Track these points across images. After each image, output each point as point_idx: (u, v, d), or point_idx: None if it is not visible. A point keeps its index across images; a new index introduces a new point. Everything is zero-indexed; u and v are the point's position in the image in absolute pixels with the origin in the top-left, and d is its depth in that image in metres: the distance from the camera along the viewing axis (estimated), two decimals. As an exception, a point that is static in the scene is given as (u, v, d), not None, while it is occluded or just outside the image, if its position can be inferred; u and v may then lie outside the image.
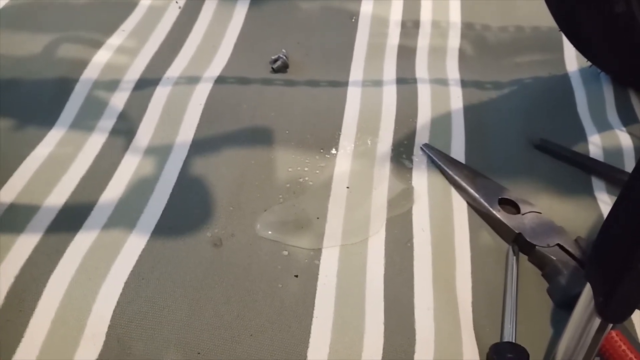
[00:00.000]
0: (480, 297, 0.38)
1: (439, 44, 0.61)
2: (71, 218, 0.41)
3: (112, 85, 0.53)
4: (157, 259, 0.39)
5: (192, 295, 0.37)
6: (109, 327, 0.35)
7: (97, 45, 0.57)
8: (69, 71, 0.54)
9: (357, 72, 0.56)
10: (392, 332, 0.35)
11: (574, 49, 0.57)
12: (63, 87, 0.52)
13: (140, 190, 0.44)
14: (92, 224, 0.41)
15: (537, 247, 0.40)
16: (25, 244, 0.39)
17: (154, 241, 0.40)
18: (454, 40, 0.62)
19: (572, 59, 0.60)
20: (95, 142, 0.48)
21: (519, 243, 0.41)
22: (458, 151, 0.48)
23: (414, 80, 0.55)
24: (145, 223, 0.41)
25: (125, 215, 0.42)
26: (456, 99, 0.54)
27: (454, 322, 0.36)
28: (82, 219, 0.41)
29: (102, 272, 0.37)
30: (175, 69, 0.55)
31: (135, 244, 0.40)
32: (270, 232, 0.41)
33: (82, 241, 0.40)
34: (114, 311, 0.35)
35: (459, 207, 0.44)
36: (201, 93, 0.52)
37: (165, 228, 0.41)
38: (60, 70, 0.54)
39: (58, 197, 0.43)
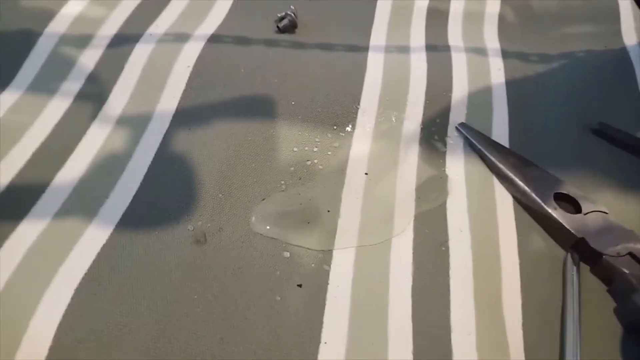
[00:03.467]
0: (533, 318, 0.30)
1: (475, 8, 0.52)
2: (15, 202, 0.33)
3: (82, 40, 0.45)
4: (121, 259, 0.31)
5: (162, 310, 0.29)
6: (51, 349, 0.27)
7: (68, -8, 0.49)
8: (31, 23, 0.46)
9: (379, 35, 0.48)
10: (424, 364, 0.27)
11: (632, 20, 0.49)
12: (23, 41, 0.44)
13: (107, 169, 0.36)
14: (41, 210, 0.33)
15: (604, 256, 0.32)
16: (-49, 234, 0.31)
17: (119, 234, 0.32)
18: (493, 5, 0.53)
19: (631, 32, 0.51)
20: (55, 108, 0.39)
21: (580, 250, 0.33)
22: (500, 133, 0.40)
23: (446, 48, 0.47)
24: (109, 211, 0.33)
25: (85, 200, 0.34)
26: (497, 72, 0.45)
27: (502, 351, 0.28)
28: (29, 203, 0.33)
29: (47, 274, 0.29)
30: (161, 25, 0.46)
31: (94, 237, 0.31)
32: (268, 227, 0.33)
33: (26, 233, 0.32)
34: (59, 328, 0.27)
35: (504, 202, 0.35)
36: (190, 53, 0.43)
37: (135, 218, 0.33)
38: (20, 21, 0.46)
39: (2, 175, 0.35)
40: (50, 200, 0.33)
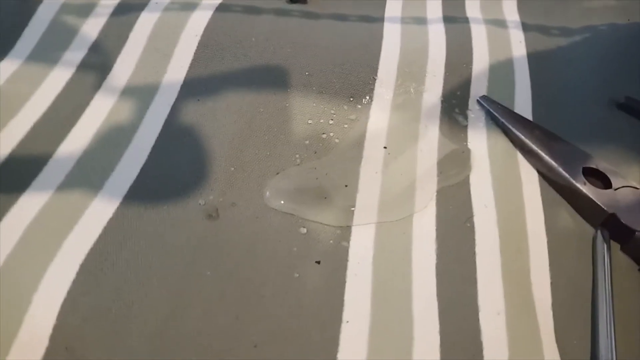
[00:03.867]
0: (563, 298, 0.28)
1: (493, -21, 0.50)
2: (16, 174, 0.31)
3: (85, 9, 0.42)
4: (128, 234, 0.29)
5: (173, 287, 0.27)
6: (55, 328, 0.25)
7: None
8: (30, -10, 0.43)
9: (394, 6, 0.45)
10: (451, 344, 0.26)
11: (654, -8, 0.46)
12: (21, 9, 0.42)
13: (112, 140, 0.33)
14: (43, 182, 0.31)
15: (637, 232, 0.30)
16: (-50, 208, 0.29)
17: (126, 209, 0.30)
18: (512, -24, 0.50)
19: (654, 5, 0.49)
20: (57, 78, 0.37)
21: (610, 227, 0.31)
22: (523, 106, 0.38)
23: (465, 20, 0.44)
24: (116, 184, 0.31)
25: (89, 173, 0.31)
26: (518, 44, 0.43)
27: (532, 332, 0.26)
28: (31, 176, 0.31)
29: (50, 248, 0.27)
30: (167, -7, 0.44)
31: (100, 211, 0.29)
32: (283, 202, 0.31)
33: (28, 205, 0.29)
34: (63, 306, 0.25)
35: (529, 177, 0.34)
36: (198, 22, 0.41)
37: (143, 192, 0.31)
38: (19, -12, 0.43)
39: (2, 146, 0.33)
40: (53, 172, 0.31)
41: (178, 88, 0.37)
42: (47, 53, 0.39)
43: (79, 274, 0.26)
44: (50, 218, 0.29)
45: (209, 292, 0.27)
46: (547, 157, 0.34)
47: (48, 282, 0.26)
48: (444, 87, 0.38)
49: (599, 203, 0.31)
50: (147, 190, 0.31)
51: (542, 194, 0.33)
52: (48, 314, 0.25)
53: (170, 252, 0.28)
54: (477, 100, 0.38)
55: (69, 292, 0.26)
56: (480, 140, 0.35)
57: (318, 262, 0.28)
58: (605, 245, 0.30)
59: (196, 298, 0.26)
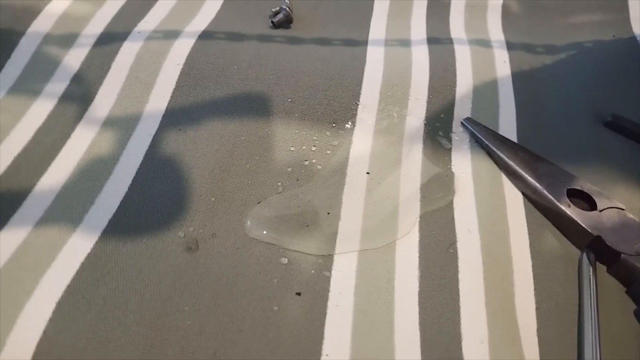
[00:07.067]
0: (548, 323, 0.28)
1: (477, -1, 0.50)
2: (-5, 211, 0.31)
3: (67, 40, 0.42)
4: (107, 269, 0.28)
5: (151, 323, 0.26)
6: (30, 369, 0.24)
7: (52, -11, 0.47)
8: (13, 21, 0.43)
9: (378, 29, 0.45)
10: (433, 376, 0.25)
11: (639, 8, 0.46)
12: (4, 41, 0.42)
13: (92, 173, 0.33)
14: (22, 218, 0.30)
15: (622, 255, 0.30)
16: None
17: (105, 243, 0.29)
18: (496, -5, 0.51)
19: (639, 20, 0.49)
20: (39, 110, 0.37)
21: (596, 249, 0.31)
22: (508, 128, 0.38)
23: (449, 41, 0.44)
24: (95, 218, 0.31)
25: (69, 207, 0.31)
26: (502, 64, 0.43)
27: None
28: (9, 212, 0.31)
29: (27, 286, 0.27)
30: (150, 22, 0.44)
31: (78, 247, 0.29)
32: (264, 232, 0.31)
33: (5, 243, 0.29)
34: (38, 346, 0.25)
35: (514, 200, 0.33)
36: (180, 50, 0.41)
37: (122, 225, 0.30)
38: (1, 20, 0.43)
39: (-20, 181, 0.32)
40: (32, 207, 0.31)
41: (160, 118, 0.37)
42: (29, 85, 0.39)
43: (55, 312, 0.26)
44: (27, 256, 0.28)
45: (187, 327, 0.26)
46: (531, 179, 0.33)
47: (24, 321, 0.26)
48: (427, 110, 0.38)
49: (584, 225, 0.31)
50: (126, 223, 0.31)
51: (527, 217, 0.32)
52: (23, 355, 0.25)
53: (148, 287, 0.28)
54: (461, 122, 0.38)
55: (45, 332, 0.25)
56: (464, 163, 0.35)
57: (298, 294, 0.28)
58: (591, 268, 0.30)
59: (174, 334, 0.26)
